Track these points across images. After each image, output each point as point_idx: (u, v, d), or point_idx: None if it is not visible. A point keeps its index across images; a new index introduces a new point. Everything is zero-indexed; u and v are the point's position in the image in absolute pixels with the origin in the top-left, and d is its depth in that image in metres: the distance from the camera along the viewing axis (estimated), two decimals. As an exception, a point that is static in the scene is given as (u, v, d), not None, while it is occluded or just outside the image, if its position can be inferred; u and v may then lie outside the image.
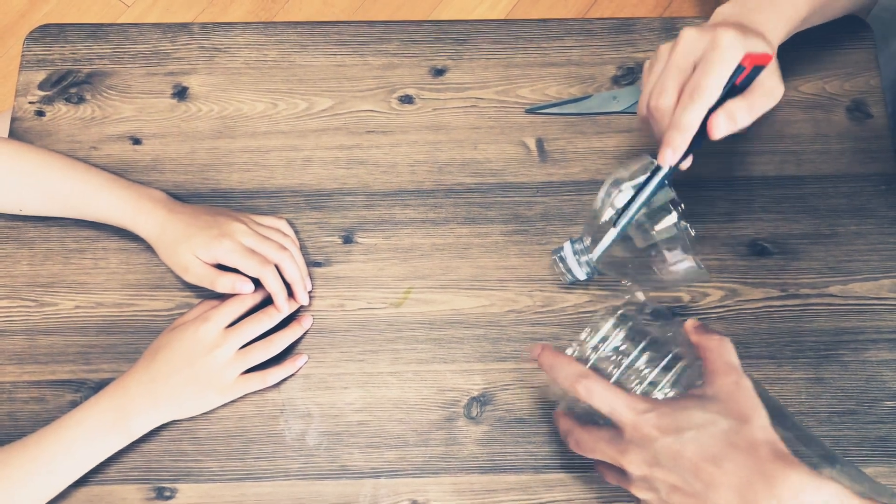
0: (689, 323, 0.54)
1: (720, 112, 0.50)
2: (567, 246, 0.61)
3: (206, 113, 0.69)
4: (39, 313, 0.64)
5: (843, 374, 0.62)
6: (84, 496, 0.60)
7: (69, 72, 0.70)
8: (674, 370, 0.51)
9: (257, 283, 0.61)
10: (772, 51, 0.52)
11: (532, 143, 0.68)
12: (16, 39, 1.48)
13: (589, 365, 0.52)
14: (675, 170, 0.53)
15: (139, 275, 0.65)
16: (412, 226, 0.66)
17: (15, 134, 0.69)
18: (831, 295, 0.64)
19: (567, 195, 0.67)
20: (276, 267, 0.61)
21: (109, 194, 0.62)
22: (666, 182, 0.54)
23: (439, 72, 0.70)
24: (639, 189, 0.54)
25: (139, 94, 0.70)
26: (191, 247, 0.60)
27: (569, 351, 0.53)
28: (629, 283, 0.62)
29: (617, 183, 0.58)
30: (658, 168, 0.53)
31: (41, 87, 0.70)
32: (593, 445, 0.50)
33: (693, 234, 0.56)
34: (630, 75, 0.70)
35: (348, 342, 0.63)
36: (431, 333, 0.63)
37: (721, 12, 0.55)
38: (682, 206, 0.56)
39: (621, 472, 0.49)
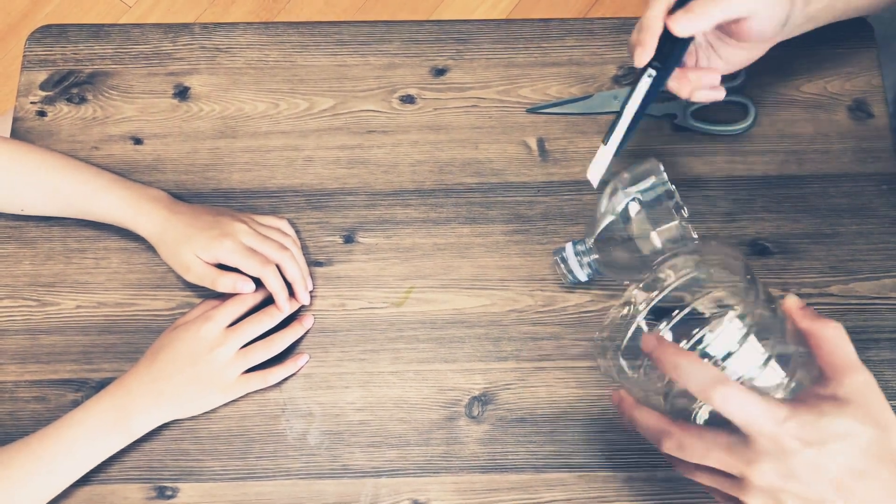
0: (794, 303, 0.46)
1: (680, 9, 0.50)
2: (569, 247, 0.61)
3: (208, 113, 0.69)
4: (41, 313, 0.64)
5: (845, 373, 0.62)
6: (85, 495, 0.60)
7: (71, 72, 0.71)
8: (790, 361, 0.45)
9: (258, 283, 0.61)
10: None
11: (533, 143, 0.68)
12: (17, 39, 1.48)
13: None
14: (660, 86, 0.53)
15: (140, 274, 0.65)
16: (413, 225, 0.66)
17: (16, 134, 0.69)
18: (832, 294, 0.64)
19: (568, 195, 0.67)
20: (278, 267, 0.61)
21: (111, 194, 0.62)
22: (654, 95, 0.53)
23: (440, 72, 0.70)
24: (624, 101, 0.54)
25: (141, 95, 0.70)
26: (192, 246, 0.60)
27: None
28: (629, 283, 0.62)
29: (619, 185, 0.58)
30: (641, 73, 0.53)
31: (43, 87, 0.70)
32: (705, 453, 0.43)
33: (694, 234, 0.56)
34: (631, 75, 0.70)
35: (349, 342, 0.63)
36: (433, 333, 0.63)
37: None
38: (685, 209, 0.56)
39: (723, 474, 0.44)
